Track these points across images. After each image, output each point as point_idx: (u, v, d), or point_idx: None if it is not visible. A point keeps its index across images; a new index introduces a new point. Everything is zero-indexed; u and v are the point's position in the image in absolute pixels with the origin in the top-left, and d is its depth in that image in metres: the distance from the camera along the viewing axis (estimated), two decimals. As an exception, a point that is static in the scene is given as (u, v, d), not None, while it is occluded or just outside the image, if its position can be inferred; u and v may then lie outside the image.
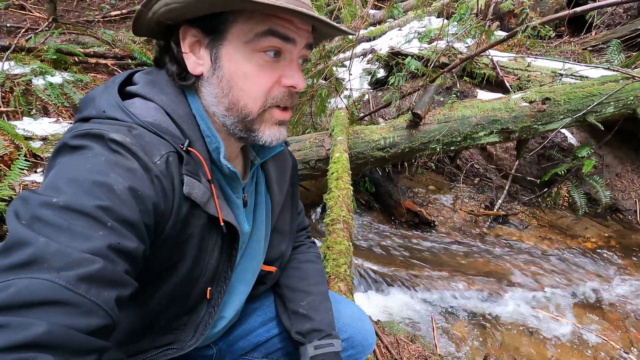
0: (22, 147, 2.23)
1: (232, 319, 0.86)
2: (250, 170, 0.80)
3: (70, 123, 2.39)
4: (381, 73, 4.17)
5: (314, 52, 3.59)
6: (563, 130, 3.34)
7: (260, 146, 0.79)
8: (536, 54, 4.04)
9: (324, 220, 1.86)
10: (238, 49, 0.60)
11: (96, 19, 5.14)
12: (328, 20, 0.60)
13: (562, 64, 3.36)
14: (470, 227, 2.93)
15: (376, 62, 4.39)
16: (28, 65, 3.15)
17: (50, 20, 4.25)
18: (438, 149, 2.57)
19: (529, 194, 3.27)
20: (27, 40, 3.66)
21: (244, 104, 0.63)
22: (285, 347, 0.94)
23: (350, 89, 3.36)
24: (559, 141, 3.38)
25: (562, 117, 2.64)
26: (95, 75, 3.60)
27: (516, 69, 3.52)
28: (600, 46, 4.27)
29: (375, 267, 2.32)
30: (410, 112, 2.56)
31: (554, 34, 3.27)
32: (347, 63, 3.78)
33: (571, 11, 2.38)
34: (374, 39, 5.25)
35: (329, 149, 2.43)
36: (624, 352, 1.93)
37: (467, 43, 3.79)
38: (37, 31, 4.05)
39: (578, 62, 3.74)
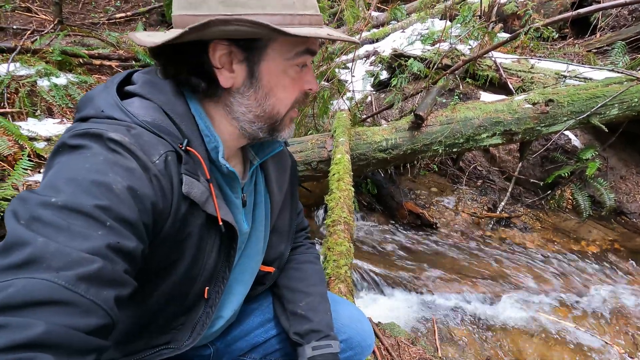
0: (26, 148, 2.25)
1: (230, 319, 0.86)
2: (250, 170, 0.80)
3: (74, 124, 2.41)
4: (384, 75, 4.17)
5: (317, 54, 3.60)
6: (567, 132, 3.31)
7: (259, 146, 0.80)
8: (540, 56, 4.02)
9: (325, 222, 1.86)
10: (278, 65, 0.65)
11: (101, 21, 5.19)
12: (347, 37, 0.67)
13: (565, 65, 3.34)
14: (473, 230, 2.91)
15: (379, 64, 4.39)
16: (33, 67, 3.18)
17: (55, 22, 4.29)
18: (440, 151, 2.56)
19: (532, 197, 3.24)
20: (32, 42, 3.69)
21: (277, 110, 0.68)
22: (283, 347, 0.94)
23: (353, 91, 3.36)
24: (563, 143, 3.35)
25: (565, 119, 2.63)
26: (99, 76, 3.63)
27: (519, 70, 3.51)
28: (604, 48, 4.24)
29: (376, 269, 2.31)
30: (412, 113, 2.56)
31: (557, 36, 3.25)
32: (349, 65, 3.78)
33: (574, 12, 2.37)
34: (377, 41, 5.25)
35: (330, 150, 2.43)
36: (629, 356, 1.91)
37: (470, 45, 3.78)
38: (42, 33, 4.09)
39: (582, 64, 3.72)
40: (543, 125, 2.62)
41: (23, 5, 4.90)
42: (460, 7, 3.90)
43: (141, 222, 0.54)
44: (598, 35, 4.64)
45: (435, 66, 3.32)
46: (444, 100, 3.38)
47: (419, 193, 3.20)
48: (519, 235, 2.88)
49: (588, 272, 2.51)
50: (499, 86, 3.51)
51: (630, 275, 2.49)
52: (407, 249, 2.63)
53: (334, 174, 2.09)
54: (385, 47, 4.73)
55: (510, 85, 3.33)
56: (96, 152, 0.54)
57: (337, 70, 3.53)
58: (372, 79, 4.21)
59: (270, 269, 0.90)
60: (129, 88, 0.65)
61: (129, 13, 5.54)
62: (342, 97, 3.28)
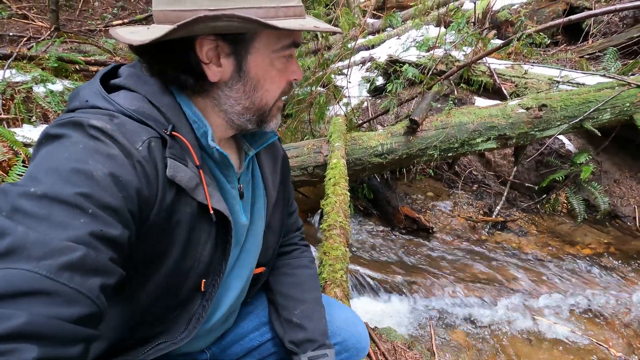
0: (20, 154, 2.24)
1: (225, 315, 0.84)
2: (245, 160, 0.80)
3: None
4: (380, 81, 4.21)
5: (312, 60, 3.63)
6: (561, 137, 3.35)
7: (251, 136, 0.80)
8: (533, 62, 4.07)
9: (321, 226, 1.86)
10: (265, 57, 0.65)
11: (98, 28, 5.21)
12: (332, 27, 0.68)
13: (558, 71, 3.38)
14: (469, 234, 2.92)
15: (375, 70, 4.43)
16: (29, 73, 3.18)
17: (52, 29, 4.31)
18: (435, 155, 2.57)
19: (527, 200, 3.26)
20: (28, 49, 3.70)
21: (265, 102, 0.69)
22: (278, 351, 0.94)
23: (349, 97, 3.38)
24: (557, 147, 3.38)
25: (559, 123, 2.66)
26: (95, 83, 3.64)
27: (513, 76, 3.55)
28: (597, 54, 4.29)
29: (373, 274, 2.31)
30: (407, 118, 2.58)
31: (549, 42, 3.30)
32: (345, 71, 3.81)
33: (565, 19, 2.41)
34: (373, 47, 5.31)
35: (326, 155, 2.44)
36: (623, 358, 1.91)
37: (464, 51, 3.83)
38: (39, 40, 4.10)
39: (575, 69, 3.77)
40: (537, 129, 2.64)
41: (20, 12, 4.91)
42: (454, 14, 3.96)
43: (126, 209, 0.53)
44: (590, 41, 4.71)
45: (430, 72, 3.36)
46: (439, 106, 3.41)
47: (415, 197, 3.21)
48: (514, 239, 2.90)
49: (583, 275, 2.52)
50: (493, 91, 3.54)
51: (625, 278, 2.51)
52: (403, 254, 2.63)
53: (330, 179, 2.10)
54: (381, 54, 4.78)
55: (504, 91, 3.37)
56: (76, 140, 0.53)
57: (333, 76, 3.56)
58: (368, 84, 4.25)
59: (261, 269, 0.90)
60: (115, 81, 0.65)
61: (125, 20, 5.57)
62: (338, 102, 3.31)
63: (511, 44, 2.69)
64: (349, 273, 2.20)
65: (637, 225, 3.03)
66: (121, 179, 0.52)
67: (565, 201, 3.14)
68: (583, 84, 3.14)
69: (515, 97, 3.23)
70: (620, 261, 2.67)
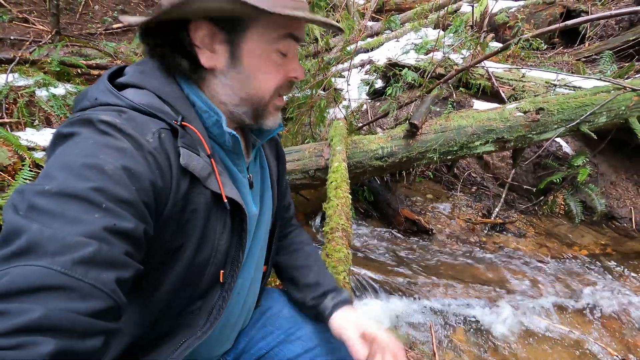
0: (25, 158, 2.27)
1: (245, 306, 0.86)
2: (253, 150, 0.81)
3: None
4: (379, 84, 4.24)
5: (312, 63, 3.66)
6: (558, 140, 3.39)
7: (257, 129, 0.81)
8: (531, 65, 4.12)
9: (323, 229, 1.89)
10: (260, 47, 0.65)
11: (98, 32, 5.23)
12: (331, 22, 0.67)
13: (555, 74, 3.43)
14: (468, 235, 2.96)
15: (374, 73, 4.47)
16: (32, 77, 3.20)
17: (53, 33, 4.33)
18: (435, 158, 2.61)
19: (525, 202, 3.30)
20: (30, 53, 3.72)
21: (261, 95, 0.68)
22: (282, 358, 0.96)
23: (349, 100, 3.42)
24: (554, 150, 3.43)
25: (555, 126, 2.70)
26: (97, 86, 3.65)
27: (511, 79, 3.59)
28: (593, 57, 4.35)
29: (374, 275, 2.34)
30: (407, 122, 2.61)
31: (545, 46, 3.34)
32: (345, 74, 3.85)
33: (562, 24, 2.45)
34: (372, 50, 5.34)
35: (328, 159, 2.47)
36: (620, 359, 1.94)
37: (462, 54, 3.87)
38: (40, 44, 4.12)
39: (572, 72, 3.81)
40: (534, 132, 2.68)
41: (20, 16, 4.93)
42: (452, 18, 4.00)
43: (140, 202, 0.53)
44: (587, 44, 4.76)
45: (429, 75, 3.40)
46: (438, 109, 3.45)
47: (415, 200, 3.25)
48: (513, 240, 2.93)
49: (581, 276, 2.56)
50: (491, 95, 3.59)
51: (622, 279, 2.55)
52: (403, 255, 2.66)
53: (331, 182, 2.13)
54: (380, 56, 4.82)
55: (502, 94, 3.41)
56: (86, 136, 0.54)
57: (333, 79, 3.59)
58: (368, 87, 4.28)
59: (264, 268, 0.93)
60: (121, 79, 0.66)
61: (125, 23, 5.59)
62: (338, 105, 3.34)
63: (510, 48, 2.73)
64: (351, 275, 2.23)
65: (634, 226, 3.08)
66: (133, 171, 0.53)
67: (563, 203, 3.19)
68: (580, 87, 3.19)
69: (513, 100, 3.28)
70: (617, 262, 2.71)
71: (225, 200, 0.65)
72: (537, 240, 2.94)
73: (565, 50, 4.79)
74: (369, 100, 4.17)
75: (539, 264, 2.66)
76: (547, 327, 2.12)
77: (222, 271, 0.70)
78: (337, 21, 3.30)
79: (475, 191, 3.38)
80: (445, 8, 5.00)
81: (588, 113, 2.69)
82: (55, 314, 0.41)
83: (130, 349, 0.64)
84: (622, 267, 2.66)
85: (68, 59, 3.61)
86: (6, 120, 2.88)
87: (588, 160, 3.16)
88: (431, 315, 2.17)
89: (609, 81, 2.95)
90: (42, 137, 2.84)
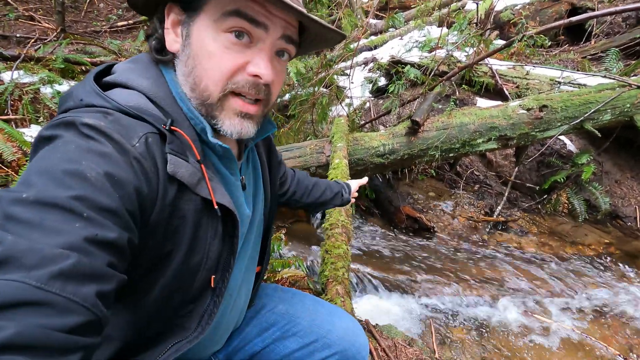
0: (29, 154, 2.29)
1: (237, 308, 0.86)
2: (244, 151, 0.79)
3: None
4: (382, 81, 4.24)
5: (315, 61, 3.66)
6: (562, 137, 3.36)
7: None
8: (535, 63, 4.09)
9: (323, 225, 1.89)
10: (207, 27, 0.59)
11: (103, 29, 5.26)
12: (304, 11, 0.57)
13: (560, 72, 3.40)
14: (470, 233, 2.95)
15: (377, 71, 4.46)
16: (36, 74, 3.23)
17: (58, 30, 4.36)
18: (437, 156, 2.60)
19: (528, 201, 3.28)
20: (36, 50, 3.76)
21: (205, 85, 0.61)
22: (277, 354, 0.96)
23: (351, 97, 3.41)
24: (558, 148, 3.40)
25: (559, 124, 2.67)
26: (101, 83, 3.69)
27: (515, 77, 3.57)
28: (599, 54, 4.30)
29: (374, 273, 2.34)
30: (409, 119, 2.60)
31: (549, 44, 3.31)
32: (348, 72, 3.84)
33: (566, 21, 2.43)
34: (376, 47, 5.33)
35: (329, 156, 2.47)
36: (622, 358, 1.93)
37: (466, 52, 3.85)
38: (45, 41, 4.16)
39: (577, 70, 3.78)
40: (537, 130, 2.66)
41: (26, 14, 4.97)
42: (456, 15, 3.98)
43: (124, 210, 0.50)
44: (593, 42, 4.71)
45: (432, 73, 3.38)
46: (440, 107, 3.43)
47: (417, 197, 3.24)
48: (515, 238, 2.92)
49: (584, 275, 2.54)
50: (494, 92, 3.57)
51: (625, 278, 2.52)
52: (404, 253, 2.66)
53: (332, 179, 2.13)
54: (384, 54, 4.80)
55: (506, 91, 3.39)
56: (68, 140, 0.50)
57: (335, 76, 3.59)
58: (371, 85, 4.27)
59: (258, 268, 0.92)
60: (109, 78, 0.63)
61: (130, 21, 5.63)
62: (340, 103, 3.33)
63: (513, 45, 2.71)
64: (351, 271, 2.23)
65: (638, 225, 3.05)
66: (117, 178, 0.50)
67: (567, 201, 3.16)
68: (584, 85, 3.16)
69: (517, 97, 3.25)
70: (620, 261, 2.68)
71: (216, 207, 0.62)
72: (540, 238, 2.92)
73: (571, 48, 4.74)
74: (372, 98, 4.16)
75: (541, 263, 2.65)
76: (548, 327, 2.11)
77: (213, 276, 0.68)
78: (339, 19, 3.29)
79: (477, 189, 3.36)
80: (449, 6, 4.97)
81: (592, 110, 2.66)
82: (30, 331, 0.38)
83: (119, 352, 0.63)
84: (626, 266, 2.63)
85: (72, 57, 3.64)
86: (11, 116, 2.91)
87: (592, 158, 3.13)
88: (431, 312, 2.16)
89: (614, 78, 2.92)
90: (46, 133, 2.86)
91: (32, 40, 4.23)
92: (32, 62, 3.41)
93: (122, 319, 0.62)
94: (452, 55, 3.63)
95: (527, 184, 3.36)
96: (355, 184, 1.36)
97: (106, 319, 0.46)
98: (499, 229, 3.00)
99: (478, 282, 2.40)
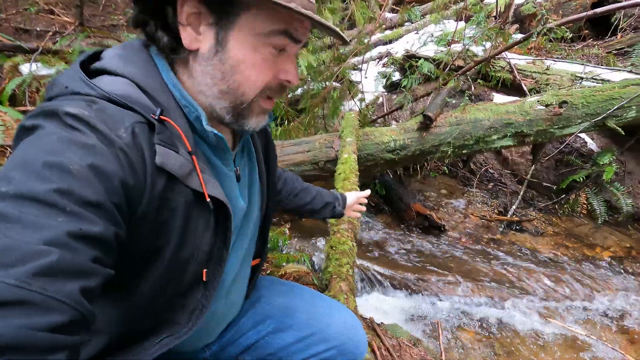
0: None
1: (230, 301, 0.84)
2: (239, 142, 0.77)
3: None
4: (396, 76, 4.16)
5: (327, 54, 3.61)
6: (582, 135, 3.23)
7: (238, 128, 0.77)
8: (556, 57, 3.93)
9: (329, 220, 1.86)
10: (248, 38, 0.59)
11: (120, 23, 5.33)
12: (335, 28, 0.61)
13: (582, 67, 3.26)
14: (482, 233, 2.87)
15: (391, 65, 4.38)
16: (54, 67, 3.29)
17: (76, 24, 4.44)
18: (449, 152, 2.53)
19: (545, 200, 3.17)
20: (54, 43, 3.83)
21: (242, 91, 0.62)
22: (273, 346, 0.95)
23: (363, 92, 3.36)
24: (578, 146, 3.27)
25: (580, 121, 2.56)
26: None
27: (534, 72, 3.44)
28: (625, 49, 4.12)
29: (382, 270, 2.30)
30: (421, 114, 2.54)
31: (570, 36, 3.16)
32: (362, 66, 3.78)
33: (590, 12, 2.31)
34: (391, 42, 5.24)
35: (338, 150, 2.43)
36: (640, 366, 1.85)
37: (484, 46, 3.74)
38: (63, 35, 4.23)
39: (600, 65, 3.62)
40: (556, 127, 2.56)
41: (46, 8, 5.08)
42: (473, 8, 3.86)
43: (110, 203, 0.48)
44: (619, 36, 4.51)
45: (448, 67, 3.29)
46: (454, 102, 3.35)
47: (428, 195, 3.17)
48: (530, 239, 2.83)
49: (601, 279, 2.44)
50: (512, 87, 3.45)
51: (646, 283, 2.41)
52: (413, 251, 2.61)
53: (339, 173, 2.10)
54: (399, 48, 4.71)
55: (524, 87, 3.27)
56: (50, 131, 0.48)
57: (349, 71, 3.53)
58: (385, 80, 4.20)
59: (257, 261, 0.90)
60: (96, 64, 0.60)
61: (147, 15, 5.67)
62: (352, 98, 3.29)
63: (531, 38, 2.60)
64: (358, 268, 2.20)
65: (662, 228, 2.91)
66: (101, 170, 0.48)
67: (586, 202, 3.04)
68: (608, 81, 3.02)
69: (535, 93, 3.14)
70: (641, 265, 2.57)
71: (208, 200, 0.61)
72: (556, 240, 2.82)
73: (595, 43, 4.55)
74: (386, 93, 4.09)
75: (557, 265, 2.56)
76: (560, 330, 2.03)
77: (205, 270, 0.67)
78: (353, 11, 3.23)
79: (492, 187, 3.27)
80: (468, -2, 4.82)
81: (616, 107, 2.54)
82: (10, 332, 0.37)
83: (109, 347, 0.62)
84: (648, 270, 2.52)
85: (89, 49, 3.69)
86: (29, 108, 2.98)
87: (615, 157, 3.00)
88: (439, 312, 2.12)
89: (640, 74, 2.78)
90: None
91: (50, 34, 4.32)
92: (49, 55, 3.48)
93: (112, 313, 0.61)
94: (468, 50, 3.53)
95: (544, 183, 3.25)
96: (353, 197, 1.27)
97: (92, 315, 0.45)
98: (513, 228, 2.92)
99: (489, 282, 2.34)
